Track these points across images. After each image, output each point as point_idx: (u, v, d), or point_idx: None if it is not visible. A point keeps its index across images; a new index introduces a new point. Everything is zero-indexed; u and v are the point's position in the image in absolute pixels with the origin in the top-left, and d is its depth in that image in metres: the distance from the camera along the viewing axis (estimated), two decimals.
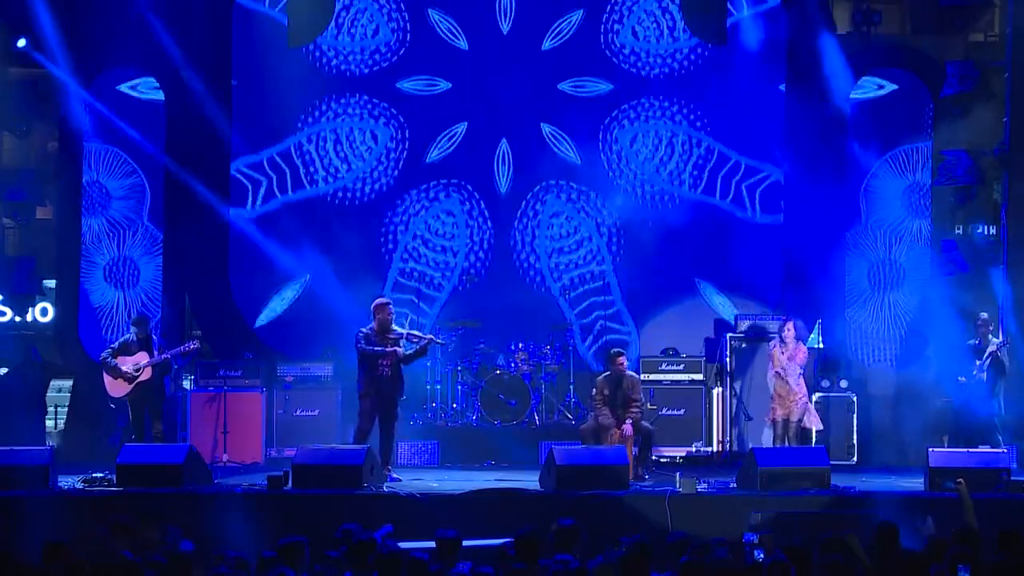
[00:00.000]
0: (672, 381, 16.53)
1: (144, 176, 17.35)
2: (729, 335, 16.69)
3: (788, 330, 15.12)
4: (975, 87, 17.08)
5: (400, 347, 14.15)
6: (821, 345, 17.26)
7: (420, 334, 14.61)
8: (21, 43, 16.91)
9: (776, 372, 15.08)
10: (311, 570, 8.60)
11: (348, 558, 8.54)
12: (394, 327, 14.26)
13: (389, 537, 9.56)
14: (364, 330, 14.23)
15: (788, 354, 15.04)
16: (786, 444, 14.87)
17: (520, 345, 16.80)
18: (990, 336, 14.60)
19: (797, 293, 17.14)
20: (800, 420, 15.04)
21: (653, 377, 16.35)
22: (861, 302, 17.26)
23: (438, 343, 15.12)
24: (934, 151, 17.18)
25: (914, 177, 17.23)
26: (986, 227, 17.49)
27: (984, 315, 15.06)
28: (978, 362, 14.50)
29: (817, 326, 17.28)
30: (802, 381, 15.11)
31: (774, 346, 15.25)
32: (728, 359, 16.50)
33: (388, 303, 14.42)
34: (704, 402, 16.44)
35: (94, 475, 13.73)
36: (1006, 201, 17.08)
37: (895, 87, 17.25)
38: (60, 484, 13.40)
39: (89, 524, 11.12)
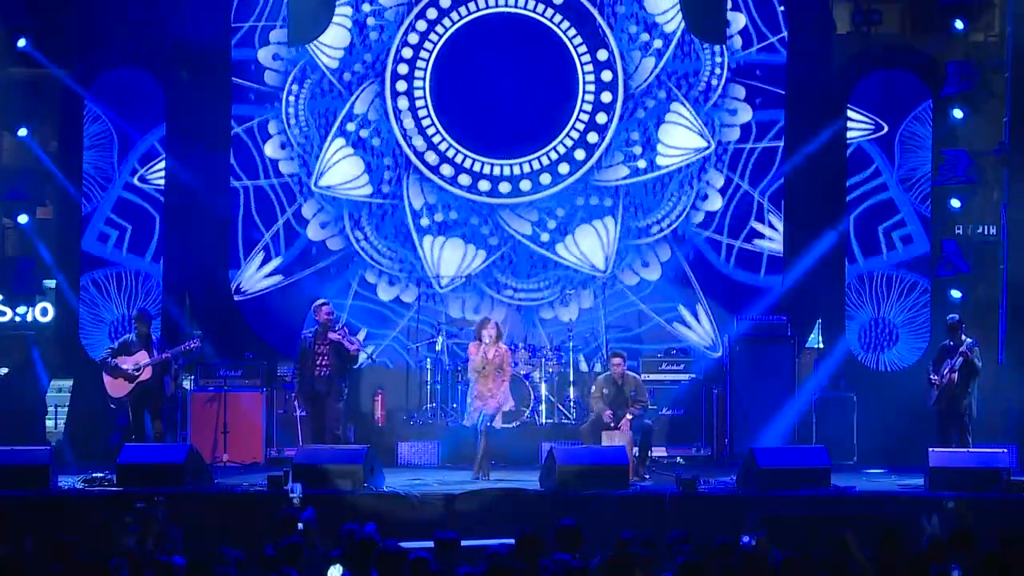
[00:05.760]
0: (672, 381, 16.53)
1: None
2: (729, 335, 16.70)
3: (488, 328, 14.66)
4: (975, 87, 17.09)
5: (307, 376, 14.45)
6: (821, 345, 17.28)
7: (354, 341, 14.84)
8: (21, 43, 16.95)
9: (475, 370, 14.63)
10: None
11: (348, 558, 8.54)
12: (334, 327, 14.55)
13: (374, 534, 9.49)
14: (307, 333, 14.64)
15: (484, 352, 14.54)
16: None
17: (520, 345, 16.82)
18: (963, 337, 14.51)
19: (797, 293, 17.14)
20: (493, 418, 14.64)
21: (653, 377, 16.35)
22: (861, 301, 17.25)
23: (364, 352, 15.90)
24: (934, 151, 17.18)
25: (914, 175, 17.22)
26: (986, 227, 17.48)
27: (955, 316, 14.95)
28: (949, 362, 14.42)
29: (817, 326, 17.30)
30: (500, 381, 14.60)
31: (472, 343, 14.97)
32: (728, 359, 16.50)
33: (326, 303, 14.73)
34: (704, 402, 16.45)
35: (94, 475, 13.75)
36: (1006, 201, 17.09)
37: (886, 129, 17.25)
38: (60, 484, 13.41)
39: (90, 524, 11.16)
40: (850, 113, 17.16)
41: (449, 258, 17.48)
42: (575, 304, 17.48)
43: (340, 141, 17.47)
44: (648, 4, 17.43)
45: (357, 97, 17.43)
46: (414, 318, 17.15)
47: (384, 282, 17.51)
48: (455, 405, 16.62)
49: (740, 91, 17.41)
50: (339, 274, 17.43)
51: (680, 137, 17.43)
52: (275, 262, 17.44)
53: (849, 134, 17.16)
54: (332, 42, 17.38)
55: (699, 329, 17.36)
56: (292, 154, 17.46)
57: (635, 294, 17.46)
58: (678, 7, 17.14)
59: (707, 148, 17.39)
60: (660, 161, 17.45)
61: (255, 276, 17.43)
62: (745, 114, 17.40)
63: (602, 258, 17.46)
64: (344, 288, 17.39)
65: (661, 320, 17.41)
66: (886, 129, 17.18)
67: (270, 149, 17.47)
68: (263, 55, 17.44)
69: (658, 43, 17.42)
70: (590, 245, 17.48)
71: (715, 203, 17.42)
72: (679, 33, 17.35)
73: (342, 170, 17.46)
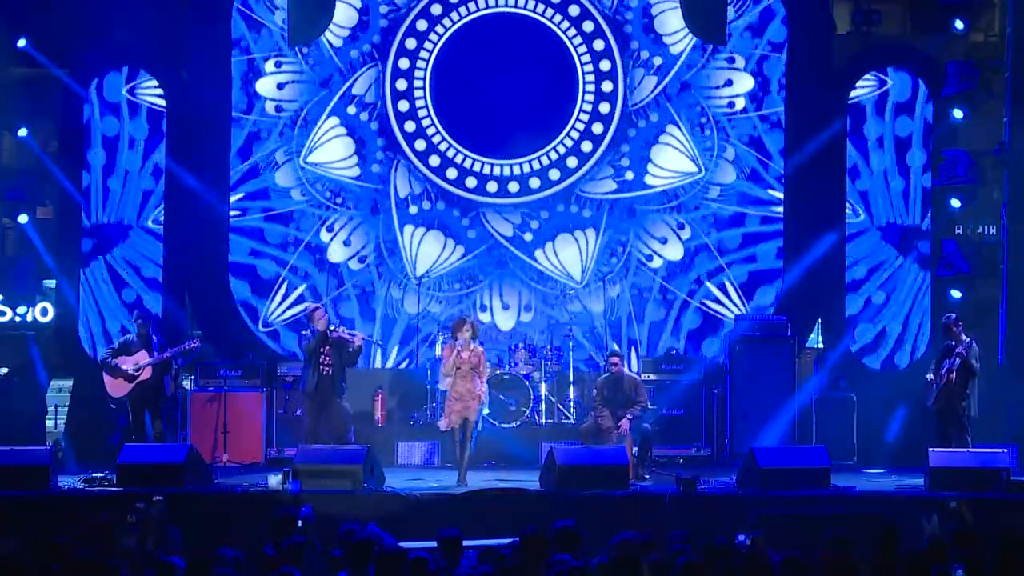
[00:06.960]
0: (672, 381, 16.53)
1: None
2: (729, 335, 16.70)
3: (463, 330, 14.26)
4: (975, 87, 17.10)
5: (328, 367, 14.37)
6: (821, 345, 17.28)
7: (355, 333, 14.83)
8: (21, 43, 16.97)
9: (453, 372, 14.23)
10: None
11: (347, 558, 8.54)
12: (330, 328, 14.49)
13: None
14: (307, 333, 14.59)
15: (459, 353, 14.16)
16: (464, 445, 14.22)
17: (520, 345, 16.82)
18: (962, 337, 14.47)
19: (797, 292, 17.14)
20: (477, 422, 14.40)
21: (653, 377, 16.34)
22: (861, 301, 17.25)
23: (376, 343, 16.33)
24: (934, 151, 17.19)
25: (914, 176, 17.23)
26: (986, 227, 17.49)
27: (950, 316, 14.88)
28: (947, 362, 14.38)
29: (817, 326, 17.29)
30: (478, 382, 14.25)
31: (445, 344, 14.79)
32: (728, 359, 16.50)
33: (318, 307, 14.74)
34: (704, 402, 16.45)
35: (94, 475, 13.75)
36: (1006, 201, 17.10)
37: (890, 83, 17.26)
38: (60, 484, 13.41)
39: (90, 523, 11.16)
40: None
41: (427, 251, 17.50)
42: (603, 294, 17.48)
43: (334, 120, 17.48)
44: (657, 24, 17.44)
45: (357, 78, 17.44)
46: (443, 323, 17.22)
47: (410, 294, 17.53)
48: None
49: (740, 61, 17.43)
50: (363, 295, 17.50)
51: (672, 160, 17.44)
52: (299, 290, 17.48)
53: (854, 93, 17.20)
54: (339, 20, 17.37)
55: (729, 303, 17.39)
56: (304, 182, 17.50)
57: (662, 277, 17.50)
58: (687, 30, 17.17)
59: (697, 174, 17.39)
60: (648, 180, 17.46)
61: (280, 307, 17.46)
62: (746, 83, 17.41)
63: (579, 269, 17.48)
64: (371, 314, 17.46)
65: (692, 300, 17.45)
66: (890, 83, 17.20)
67: (281, 178, 17.50)
68: (263, 86, 17.42)
69: (658, 60, 17.41)
70: (569, 255, 17.49)
71: (729, 176, 17.46)
72: (685, 55, 17.36)
73: (332, 149, 17.46)
